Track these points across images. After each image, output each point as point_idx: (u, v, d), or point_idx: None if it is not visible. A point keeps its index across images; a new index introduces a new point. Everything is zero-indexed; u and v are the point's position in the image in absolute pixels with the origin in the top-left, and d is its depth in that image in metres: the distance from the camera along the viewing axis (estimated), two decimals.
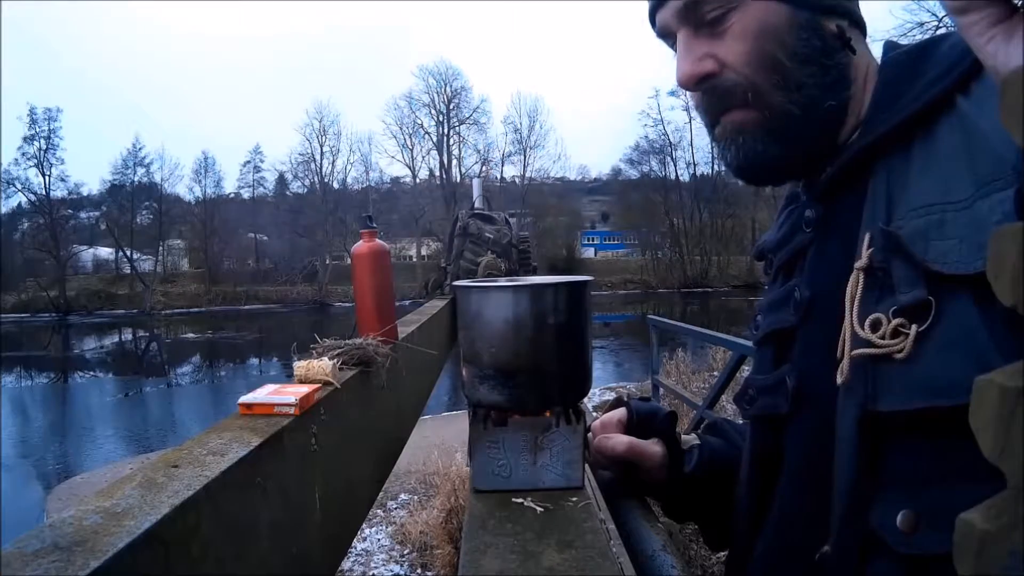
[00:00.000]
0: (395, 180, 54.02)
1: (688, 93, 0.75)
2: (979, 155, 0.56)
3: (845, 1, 0.70)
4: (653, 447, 1.03)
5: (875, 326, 0.57)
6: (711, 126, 0.74)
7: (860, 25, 0.72)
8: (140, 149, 49.06)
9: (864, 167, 0.66)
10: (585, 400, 1.12)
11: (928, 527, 0.54)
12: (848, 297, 0.60)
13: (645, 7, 0.78)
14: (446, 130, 50.49)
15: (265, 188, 53.71)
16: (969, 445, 0.35)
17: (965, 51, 0.49)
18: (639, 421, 1.08)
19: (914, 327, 0.55)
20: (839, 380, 0.61)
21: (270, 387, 0.84)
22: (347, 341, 1.10)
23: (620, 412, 1.13)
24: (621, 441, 1.04)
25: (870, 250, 0.60)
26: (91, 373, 22.61)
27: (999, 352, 0.50)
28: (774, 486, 0.77)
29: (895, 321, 0.56)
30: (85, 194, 49.74)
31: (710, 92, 0.72)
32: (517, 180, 51.18)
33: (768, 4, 0.68)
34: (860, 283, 0.60)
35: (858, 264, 0.61)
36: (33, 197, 46.59)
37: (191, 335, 32.56)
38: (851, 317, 0.60)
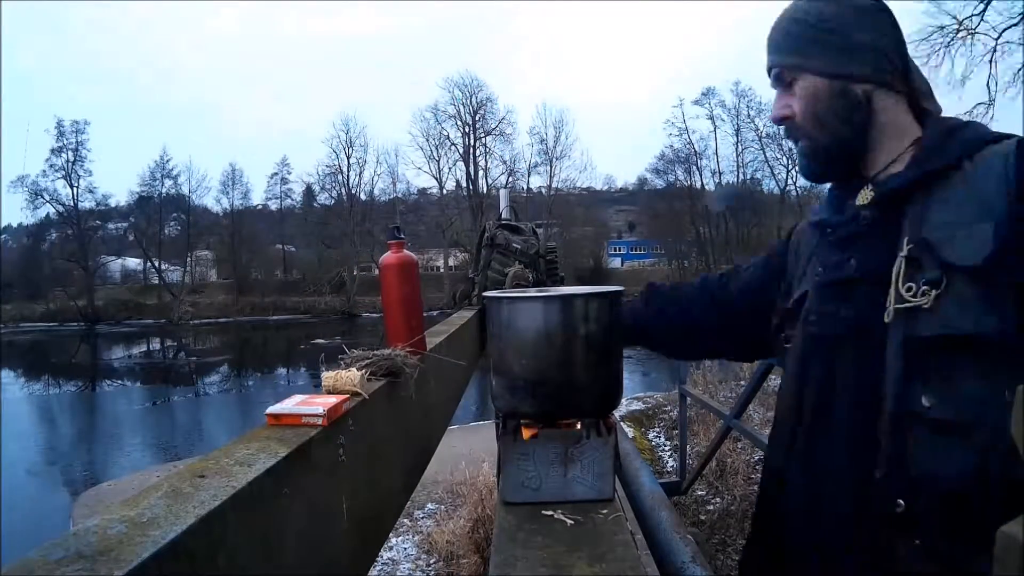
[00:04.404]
0: (422, 191, 54.17)
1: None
2: (976, 197, 0.95)
3: (871, 72, 1.08)
4: None
5: (909, 289, 0.96)
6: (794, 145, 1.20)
7: (888, 84, 1.09)
8: (168, 161, 49.90)
9: (907, 193, 1.03)
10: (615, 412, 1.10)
11: (941, 404, 0.92)
12: (895, 272, 0.98)
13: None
14: (472, 141, 50.75)
15: (292, 200, 54.34)
16: (968, 360, 0.91)
17: (975, 138, 1.00)
18: None
19: (933, 291, 0.93)
20: (887, 319, 0.98)
21: (298, 397, 0.83)
22: (375, 352, 1.09)
23: None
24: None
25: (910, 246, 0.98)
26: (119, 382, 23.02)
27: (982, 305, 0.90)
28: (805, 411, 1.12)
29: (923, 287, 0.95)
30: (113, 205, 50.51)
31: (788, 128, 1.17)
32: (543, 190, 51.18)
33: (815, 78, 1.11)
34: (902, 264, 0.98)
35: (902, 253, 0.98)
36: (61, 208, 47.48)
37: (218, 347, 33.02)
38: (896, 283, 0.97)
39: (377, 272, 1.34)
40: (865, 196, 1.09)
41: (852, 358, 1.05)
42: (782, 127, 1.18)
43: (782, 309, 1.26)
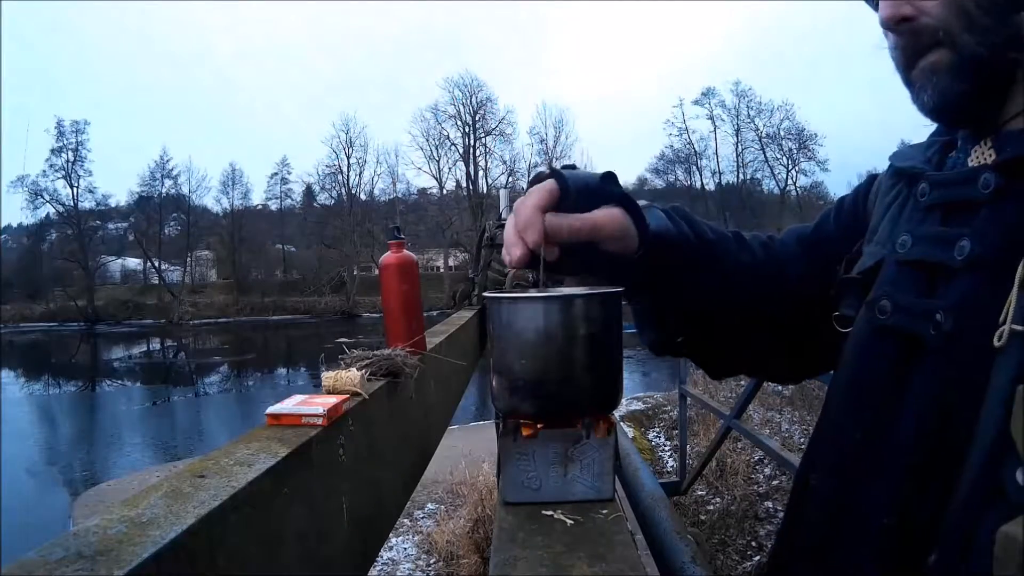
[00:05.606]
0: (422, 191, 54.33)
1: (888, 39, 0.80)
2: None
3: None
4: (612, 211, 0.87)
5: None
6: (907, 68, 0.81)
7: None
8: (168, 161, 50.18)
9: None
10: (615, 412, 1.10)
11: None
12: (1019, 275, 0.63)
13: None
14: (472, 141, 50.82)
15: (292, 200, 54.46)
16: None
17: None
18: (577, 194, 0.87)
19: None
20: (996, 342, 0.63)
21: (298, 397, 0.83)
22: (375, 352, 1.09)
23: (549, 187, 0.87)
24: (582, 218, 0.85)
25: None
26: (119, 382, 23.05)
27: None
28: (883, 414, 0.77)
29: None
30: (113, 205, 50.82)
31: (907, 34, 0.78)
32: None
33: None
34: None
35: None
36: (61, 208, 47.73)
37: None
38: (1017, 294, 0.63)
39: (377, 272, 1.34)
40: (984, 153, 0.78)
41: (932, 377, 0.74)
42: (895, 34, 0.80)
43: (843, 280, 0.93)
